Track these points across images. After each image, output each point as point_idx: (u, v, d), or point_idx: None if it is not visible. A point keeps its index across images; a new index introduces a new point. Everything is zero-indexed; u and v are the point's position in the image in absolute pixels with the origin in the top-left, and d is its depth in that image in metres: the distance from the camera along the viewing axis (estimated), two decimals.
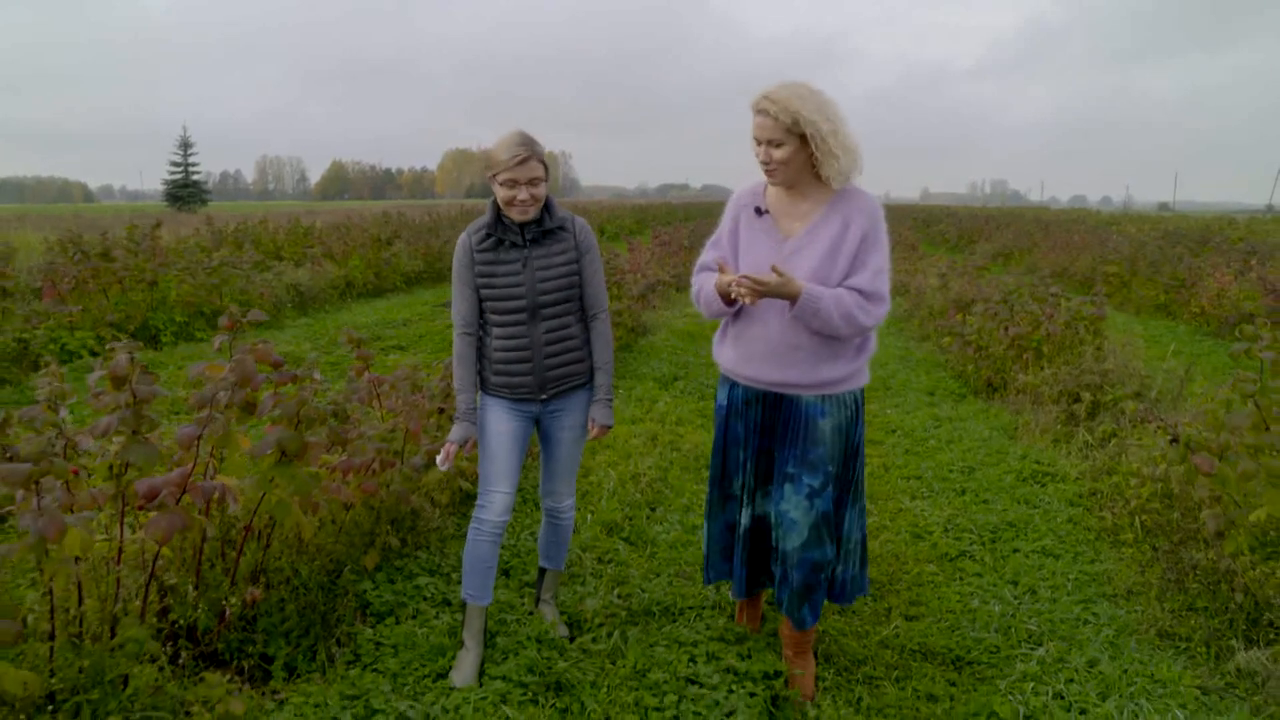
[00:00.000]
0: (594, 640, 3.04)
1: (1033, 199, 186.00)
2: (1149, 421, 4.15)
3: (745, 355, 2.75)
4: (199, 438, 2.32)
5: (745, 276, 2.49)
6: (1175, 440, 3.67)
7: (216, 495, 2.46)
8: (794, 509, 2.66)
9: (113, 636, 2.42)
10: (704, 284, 2.77)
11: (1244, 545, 3.37)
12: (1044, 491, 4.79)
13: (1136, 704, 2.77)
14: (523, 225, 2.85)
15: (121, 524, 2.44)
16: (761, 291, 2.50)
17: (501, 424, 2.95)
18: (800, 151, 2.57)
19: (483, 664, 2.86)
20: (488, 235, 2.88)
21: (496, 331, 2.92)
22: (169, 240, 12.73)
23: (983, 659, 3.09)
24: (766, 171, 2.65)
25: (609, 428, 3.06)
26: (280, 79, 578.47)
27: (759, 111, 2.57)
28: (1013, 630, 3.29)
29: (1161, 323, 11.78)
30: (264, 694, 2.71)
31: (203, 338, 8.89)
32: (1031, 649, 3.14)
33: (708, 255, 2.84)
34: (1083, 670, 2.98)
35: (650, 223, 33.08)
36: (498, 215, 2.86)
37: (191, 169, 60.86)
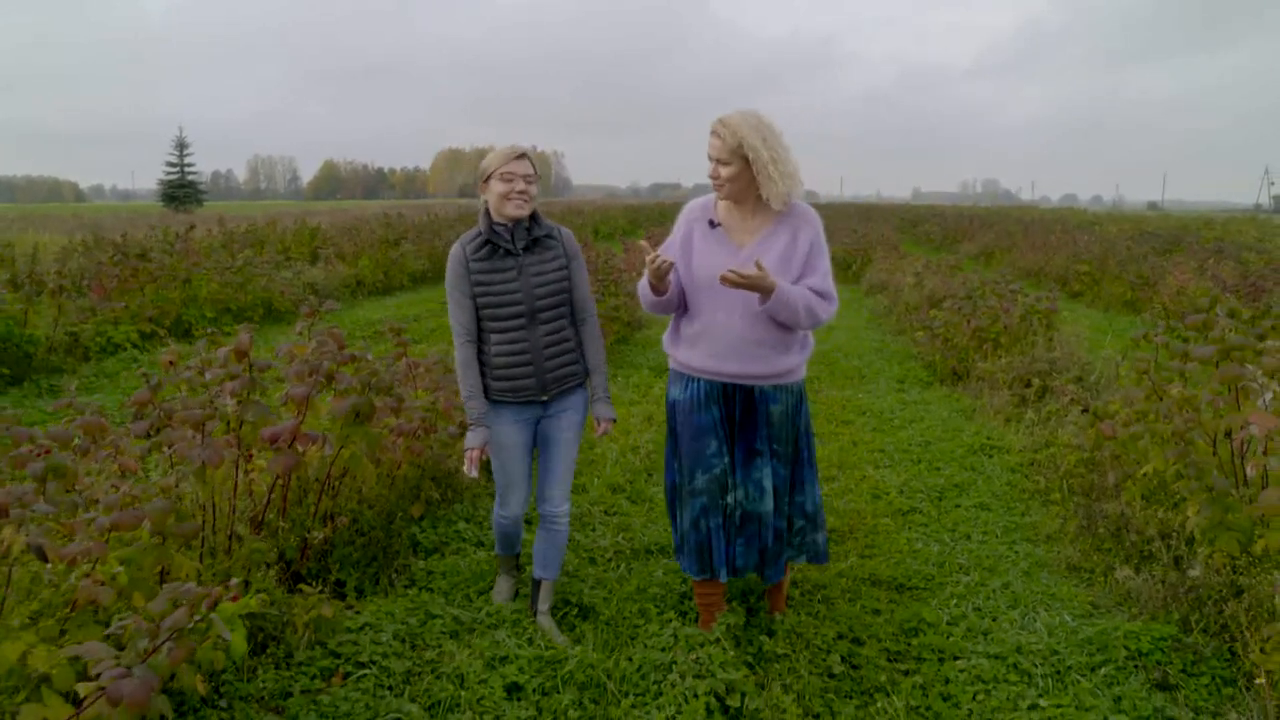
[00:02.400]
0: (605, 570, 3.75)
1: (1024, 198, 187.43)
2: (1074, 400, 4.86)
3: (709, 353, 3.01)
4: (306, 397, 3.02)
5: (732, 270, 2.75)
6: (1086, 410, 4.39)
7: (319, 443, 3.15)
8: (765, 479, 3.05)
9: (229, 554, 3.11)
10: (643, 283, 3.08)
11: (1137, 495, 4.09)
12: (990, 461, 5.51)
13: (1035, 613, 3.48)
14: (514, 233, 3.02)
15: (238, 467, 3.13)
16: (745, 283, 2.77)
17: (511, 437, 3.15)
18: (745, 171, 2.86)
19: (518, 588, 3.55)
20: (484, 244, 3.02)
21: (496, 338, 3.04)
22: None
23: (920, 584, 3.80)
24: (715, 186, 2.95)
25: (615, 420, 3.33)
26: (273, 79, 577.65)
27: (713, 133, 2.87)
28: (947, 564, 4.00)
29: (1127, 318, 12.52)
30: (343, 607, 3.41)
31: (230, 331, 9.55)
32: (960, 577, 3.86)
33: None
34: (999, 590, 3.70)
35: (643, 223, 33.76)
36: (491, 224, 3.03)
37: (187, 169, 61.37)
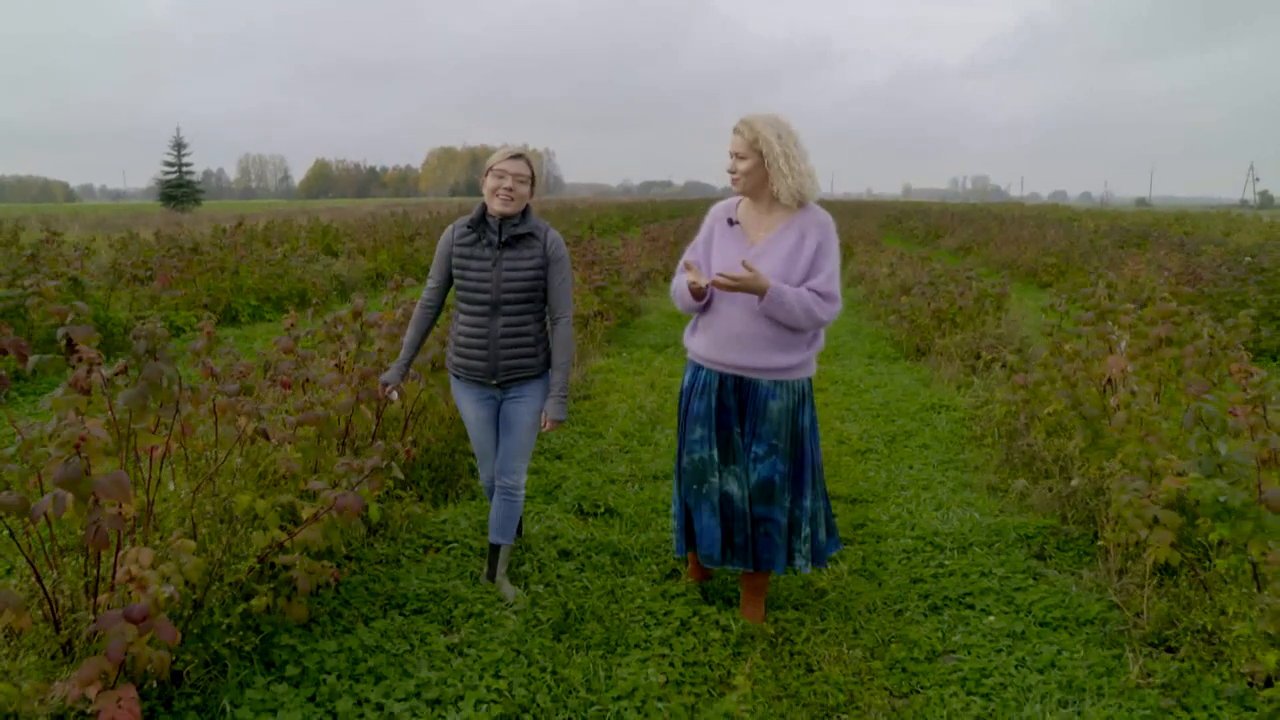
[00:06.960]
0: (623, 488, 4.82)
1: (1014, 194, 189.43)
2: (995, 359, 5.93)
3: (712, 342, 3.14)
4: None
5: (721, 274, 2.89)
6: (1005, 366, 5.47)
7: (418, 380, 4.21)
8: (751, 472, 3.16)
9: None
10: (678, 283, 3.22)
11: (1042, 431, 5.17)
12: (938, 416, 6.59)
13: (952, 511, 4.56)
14: (500, 225, 3.22)
15: (355, 400, 4.17)
16: (735, 286, 2.89)
17: (472, 412, 3.44)
18: (760, 167, 3.02)
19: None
20: (470, 230, 3.27)
21: (462, 319, 3.29)
22: (204, 237, 14.40)
23: (869, 498, 4.88)
24: (732, 181, 3.11)
25: (560, 422, 3.40)
26: (263, 78, 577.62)
27: (734, 131, 3.05)
28: (891, 485, 5.08)
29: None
30: (426, 508, 4.46)
31: (270, 318, 10.58)
32: (901, 492, 4.93)
33: (686, 257, 3.23)
34: (928, 500, 4.78)
35: (637, 219, 34.94)
36: (483, 214, 3.24)
37: (185, 169, 62.04)
